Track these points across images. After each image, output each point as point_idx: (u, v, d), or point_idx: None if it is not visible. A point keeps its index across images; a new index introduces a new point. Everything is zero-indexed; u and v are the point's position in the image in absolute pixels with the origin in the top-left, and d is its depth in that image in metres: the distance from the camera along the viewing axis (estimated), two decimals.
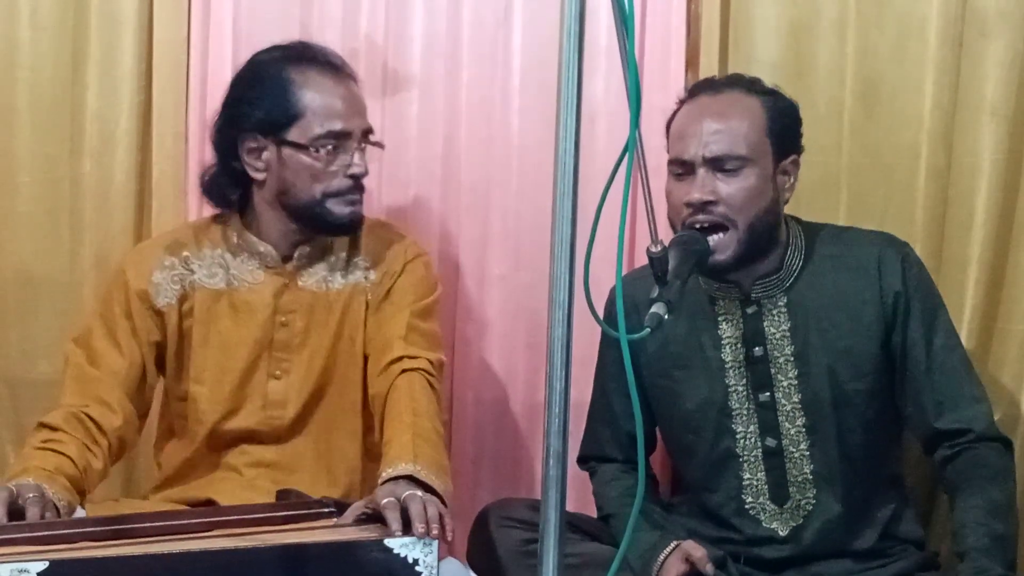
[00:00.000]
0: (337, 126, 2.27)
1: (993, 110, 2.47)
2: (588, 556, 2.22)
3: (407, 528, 1.91)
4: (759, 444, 2.29)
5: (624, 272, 1.71)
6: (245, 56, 2.65)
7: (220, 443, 2.36)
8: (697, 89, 2.31)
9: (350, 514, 2.02)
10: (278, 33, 2.62)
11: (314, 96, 2.28)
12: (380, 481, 2.06)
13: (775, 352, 2.27)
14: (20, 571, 1.72)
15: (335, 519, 2.05)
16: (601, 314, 1.69)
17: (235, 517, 2.04)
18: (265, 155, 2.30)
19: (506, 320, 2.74)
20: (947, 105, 2.49)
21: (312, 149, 2.27)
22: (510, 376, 2.75)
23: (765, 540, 2.29)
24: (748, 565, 2.28)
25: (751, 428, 2.29)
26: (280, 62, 2.32)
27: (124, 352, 2.32)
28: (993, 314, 2.51)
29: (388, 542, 1.88)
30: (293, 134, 2.27)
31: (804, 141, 2.33)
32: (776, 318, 2.28)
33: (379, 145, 2.38)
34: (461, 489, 2.55)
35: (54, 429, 2.19)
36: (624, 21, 1.59)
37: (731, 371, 2.29)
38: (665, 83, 2.60)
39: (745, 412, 2.29)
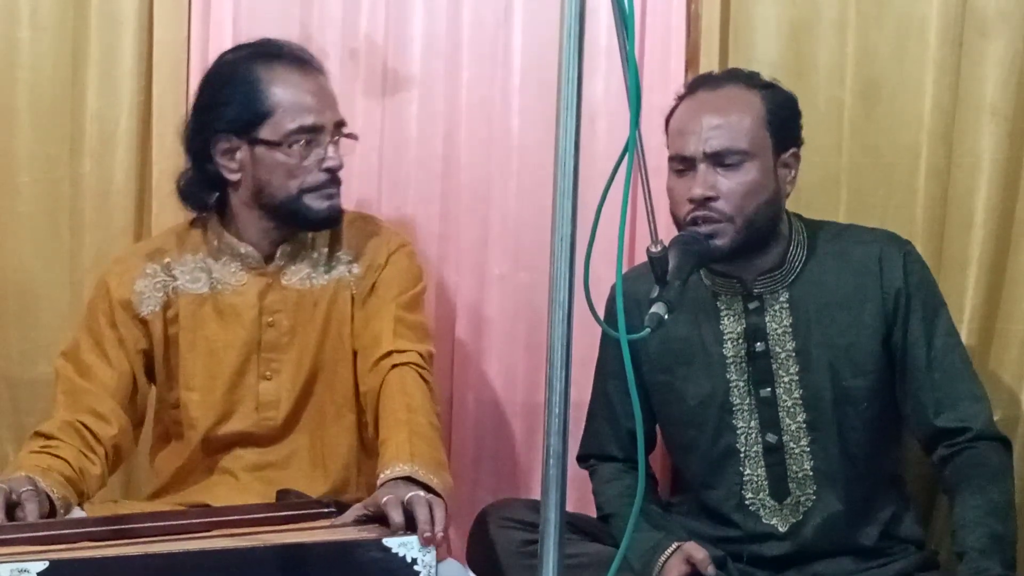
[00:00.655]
0: (309, 120, 2.26)
1: (993, 110, 2.47)
2: (588, 556, 2.22)
3: (410, 525, 1.91)
4: (760, 440, 2.29)
5: (624, 271, 1.72)
6: None
7: (214, 448, 2.35)
8: (696, 84, 2.31)
9: (350, 514, 2.02)
10: (278, 33, 2.61)
11: (283, 92, 2.26)
12: (379, 483, 2.06)
13: (776, 348, 2.27)
14: (20, 571, 1.72)
15: (334, 519, 2.04)
16: (602, 312, 1.69)
17: (235, 517, 2.04)
18: (238, 155, 2.29)
19: (506, 320, 2.74)
20: (947, 105, 2.49)
21: (285, 145, 2.26)
22: (510, 376, 2.75)
23: (765, 536, 2.29)
24: (748, 564, 2.28)
25: (752, 424, 2.29)
26: (247, 61, 2.30)
27: (113, 363, 2.31)
28: (993, 314, 2.52)
29: (387, 542, 1.88)
30: (265, 132, 2.26)
31: (804, 141, 2.32)
32: (778, 314, 2.28)
33: (352, 137, 2.35)
34: (461, 489, 2.55)
35: (49, 437, 2.19)
36: (624, 21, 1.59)
37: (732, 367, 2.30)
38: (665, 83, 2.60)
39: (746, 408, 2.29)
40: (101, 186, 2.67)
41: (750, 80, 2.28)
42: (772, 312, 2.28)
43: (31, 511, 1.97)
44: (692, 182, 2.20)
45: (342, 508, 2.07)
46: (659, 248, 1.83)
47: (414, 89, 2.71)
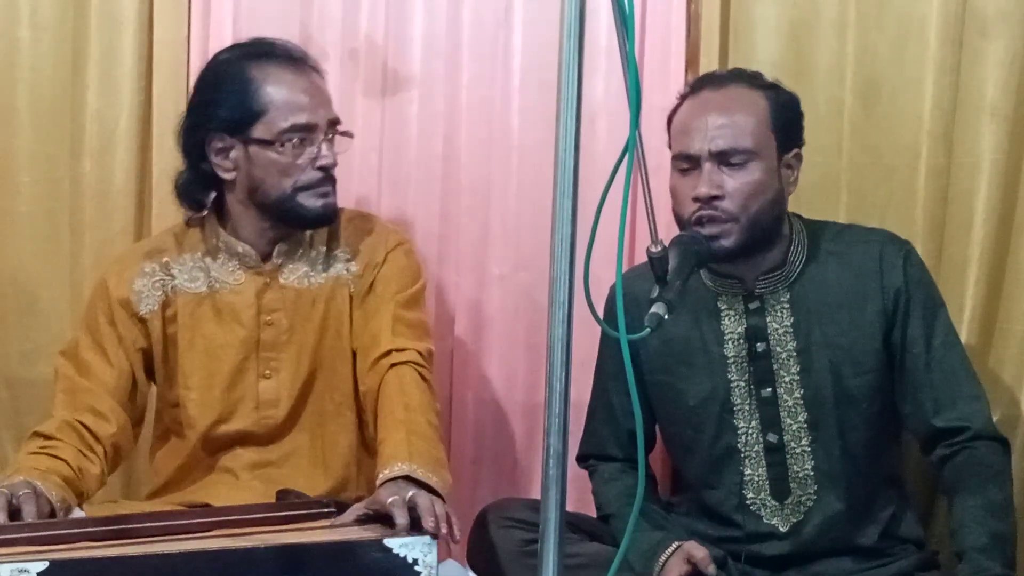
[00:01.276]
0: (302, 119, 2.26)
1: (993, 110, 2.47)
2: (588, 556, 2.22)
3: (414, 526, 1.91)
4: (760, 440, 2.29)
5: (624, 271, 1.72)
6: None
7: (214, 446, 2.35)
8: (700, 84, 2.31)
9: (350, 514, 2.02)
10: (278, 33, 2.61)
11: (276, 91, 2.26)
12: (378, 483, 2.06)
13: (777, 348, 2.27)
14: (20, 571, 1.72)
15: (334, 519, 2.04)
16: (601, 311, 1.69)
17: (235, 517, 2.04)
18: (233, 154, 2.29)
19: (506, 320, 2.74)
20: (947, 105, 2.48)
21: (278, 144, 2.26)
22: (510, 376, 2.75)
23: (765, 536, 2.29)
24: (748, 563, 2.28)
25: (753, 424, 2.29)
26: (240, 60, 2.31)
27: (112, 362, 2.31)
28: (993, 314, 2.51)
29: (387, 542, 1.88)
30: (258, 131, 2.26)
31: (806, 142, 2.33)
32: (779, 314, 2.28)
33: (347, 135, 2.36)
34: (461, 489, 2.55)
35: (48, 437, 2.19)
36: (624, 21, 1.59)
37: (733, 366, 2.30)
38: (665, 83, 2.60)
39: (747, 408, 2.29)
40: (101, 186, 2.67)
41: (754, 80, 2.28)
42: (773, 312, 2.28)
43: (29, 513, 1.97)
44: (697, 181, 2.20)
45: (342, 508, 2.07)
46: (659, 248, 1.83)
47: (414, 89, 2.71)
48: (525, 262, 2.70)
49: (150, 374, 2.38)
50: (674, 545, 2.22)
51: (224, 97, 2.28)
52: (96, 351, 2.31)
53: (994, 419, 2.33)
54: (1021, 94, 2.47)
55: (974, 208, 2.49)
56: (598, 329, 1.86)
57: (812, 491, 2.28)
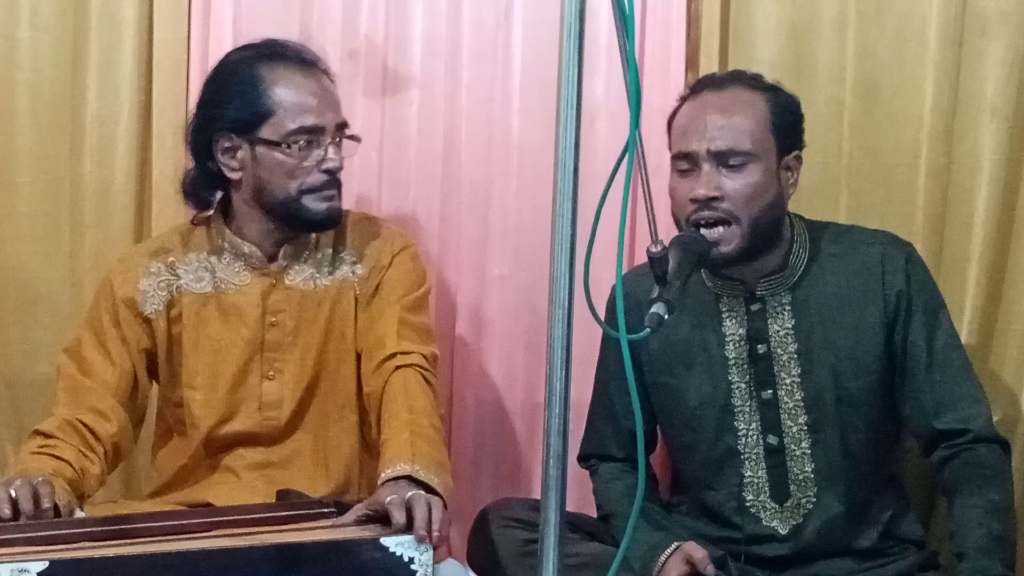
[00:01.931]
0: (309, 121, 2.27)
1: (993, 110, 2.47)
2: (588, 556, 2.22)
3: (410, 523, 1.91)
4: (761, 441, 2.29)
5: (624, 271, 1.71)
6: None
7: (217, 447, 2.35)
8: (700, 85, 2.31)
9: (351, 515, 2.02)
10: (278, 33, 2.61)
11: (285, 92, 2.27)
12: (379, 482, 2.06)
13: (778, 349, 2.27)
14: (20, 571, 1.72)
15: (335, 519, 2.05)
16: (602, 311, 1.69)
17: (235, 517, 2.04)
18: (239, 154, 2.29)
19: (506, 320, 2.73)
20: (947, 105, 2.49)
21: (285, 145, 2.26)
22: (510, 376, 2.75)
23: (765, 538, 2.29)
24: (748, 564, 2.28)
25: (753, 425, 2.29)
26: (250, 60, 2.31)
27: (115, 361, 2.31)
28: (993, 314, 2.51)
29: (384, 541, 1.88)
30: (266, 131, 2.27)
31: (806, 144, 2.32)
32: (780, 316, 2.28)
33: (355, 139, 2.36)
34: (461, 489, 2.55)
35: (48, 436, 2.19)
36: (624, 21, 1.59)
37: (734, 368, 2.30)
38: (665, 83, 2.60)
39: (747, 409, 2.29)
40: (101, 186, 2.67)
41: (754, 82, 2.28)
42: (774, 314, 2.28)
43: (45, 493, 1.98)
44: (695, 182, 2.20)
45: (343, 508, 2.07)
46: (659, 248, 1.83)
47: (414, 89, 2.71)
48: (525, 262, 2.70)
49: (153, 374, 2.38)
50: (673, 545, 2.22)
51: (233, 97, 2.28)
52: (99, 350, 2.31)
53: (994, 419, 2.33)
54: (1021, 94, 2.47)
55: (974, 208, 2.49)
56: (598, 329, 1.86)
57: (812, 493, 2.28)
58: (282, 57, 2.31)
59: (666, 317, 1.81)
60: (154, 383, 2.40)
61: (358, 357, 2.35)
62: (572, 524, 2.11)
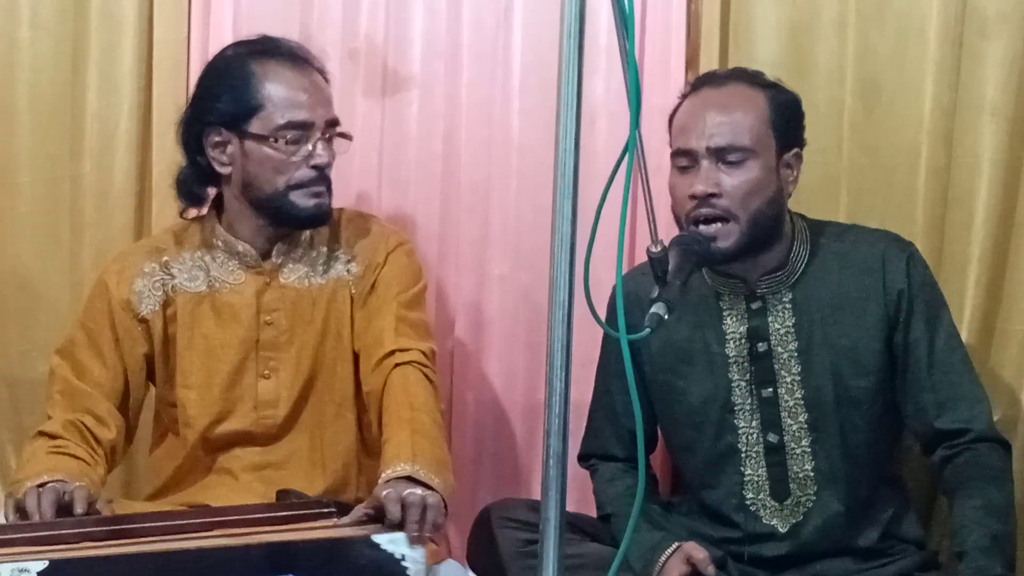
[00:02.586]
0: (298, 116, 2.26)
1: (993, 110, 2.47)
2: (588, 556, 2.22)
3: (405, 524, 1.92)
4: (761, 440, 2.29)
5: (624, 271, 1.71)
6: None
7: (213, 446, 2.35)
8: (700, 82, 2.31)
9: (352, 515, 2.02)
10: (278, 33, 2.62)
11: (275, 87, 2.27)
12: (380, 481, 2.06)
13: (779, 348, 2.27)
14: (20, 571, 1.73)
15: (335, 519, 2.04)
16: (603, 311, 1.69)
17: (235, 517, 2.04)
18: (229, 149, 2.29)
19: (506, 320, 2.73)
20: (947, 105, 2.49)
21: (273, 140, 2.26)
22: (510, 376, 2.75)
23: (765, 537, 2.29)
24: (749, 564, 2.28)
25: (753, 424, 2.29)
26: (243, 56, 2.31)
27: (108, 364, 2.31)
28: (993, 314, 2.52)
29: (376, 538, 1.89)
30: (255, 126, 2.26)
31: (807, 142, 2.32)
32: (780, 314, 2.28)
33: (346, 136, 2.36)
34: (461, 489, 2.54)
35: (55, 436, 2.20)
36: (624, 21, 1.59)
37: (734, 366, 2.29)
38: (665, 83, 2.60)
39: (747, 408, 2.29)
40: (101, 186, 2.67)
41: (754, 79, 2.28)
42: (775, 312, 2.28)
43: (80, 497, 1.99)
44: (695, 178, 2.20)
45: (342, 508, 2.07)
46: (659, 248, 1.83)
47: (414, 89, 2.71)
48: (525, 262, 2.70)
49: (150, 376, 2.38)
50: (674, 545, 2.22)
51: (224, 91, 2.28)
52: (93, 352, 2.31)
53: (994, 419, 2.33)
54: (1021, 94, 2.47)
55: (974, 208, 2.49)
56: (598, 329, 1.86)
57: (812, 492, 2.27)
58: (274, 53, 2.31)
59: (666, 317, 1.81)
60: (151, 385, 2.40)
61: (355, 356, 2.35)
62: (572, 524, 2.11)
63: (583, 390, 2.44)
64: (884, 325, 2.25)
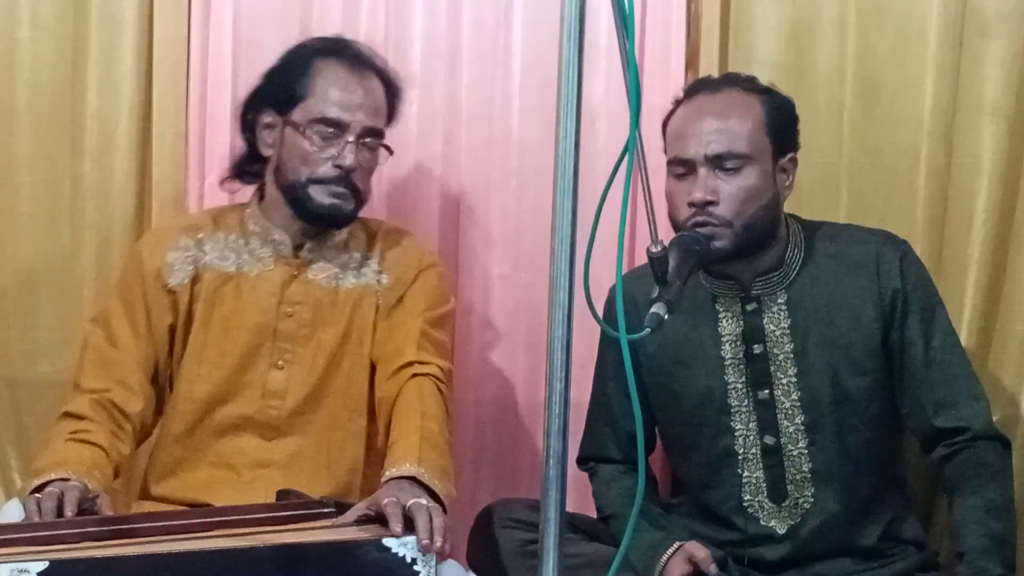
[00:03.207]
0: (333, 113, 2.31)
1: (993, 110, 2.47)
2: (588, 556, 2.22)
3: (410, 526, 1.91)
4: (758, 442, 2.29)
5: (624, 272, 1.71)
6: (245, 56, 2.67)
7: (214, 429, 2.35)
8: (694, 88, 2.31)
9: (351, 514, 2.02)
10: (278, 33, 2.63)
11: (323, 82, 2.33)
12: (383, 480, 2.07)
13: (775, 349, 2.27)
14: (20, 571, 1.72)
15: (335, 519, 2.04)
16: (600, 313, 1.69)
17: (235, 517, 2.04)
18: (275, 132, 2.36)
19: (506, 320, 2.74)
20: (947, 105, 2.49)
21: (306, 130, 2.30)
22: (510, 376, 2.75)
23: (763, 538, 2.29)
24: (748, 565, 2.28)
25: (750, 426, 2.29)
26: (312, 49, 2.39)
27: (140, 333, 2.34)
28: (993, 314, 2.51)
29: (387, 541, 1.89)
30: (296, 114, 2.32)
31: (804, 141, 2.33)
32: (776, 315, 2.28)
33: (387, 148, 2.39)
34: (461, 489, 2.54)
35: (80, 418, 2.22)
36: (624, 21, 1.59)
37: (730, 368, 2.29)
38: (665, 83, 2.60)
39: (744, 409, 2.29)
40: (101, 186, 2.67)
41: (749, 84, 2.28)
42: (770, 314, 2.28)
43: (70, 500, 1.99)
44: (692, 186, 2.20)
45: (342, 508, 2.07)
46: (659, 248, 1.83)
47: (414, 89, 2.70)
48: (525, 262, 2.70)
49: (172, 350, 2.39)
50: (675, 545, 2.22)
51: (283, 76, 2.37)
52: (127, 321, 2.34)
53: (994, 418, 2.33)
54: (1021, 94, 2.47)
55: (974, 208, 2.50)
56: (598, 330, 1.87)
57: (810, 493, 2.27)
58: (340, 53, 2.37)
59: (666, 317, 1.81)
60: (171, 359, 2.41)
61: (372, 366, 2.36)
62: (572, 524, 2.11)
63: (583, 390, 2.44)
64: (880, 325, 2.25)
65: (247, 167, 2.44)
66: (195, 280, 2.37)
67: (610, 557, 1.77)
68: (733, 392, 2.29)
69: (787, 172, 2.28)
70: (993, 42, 2.47)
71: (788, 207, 2.34)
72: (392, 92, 2.40)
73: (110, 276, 2.60)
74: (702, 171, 2.20)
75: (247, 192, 2.49)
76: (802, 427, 2.27)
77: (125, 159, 2.67)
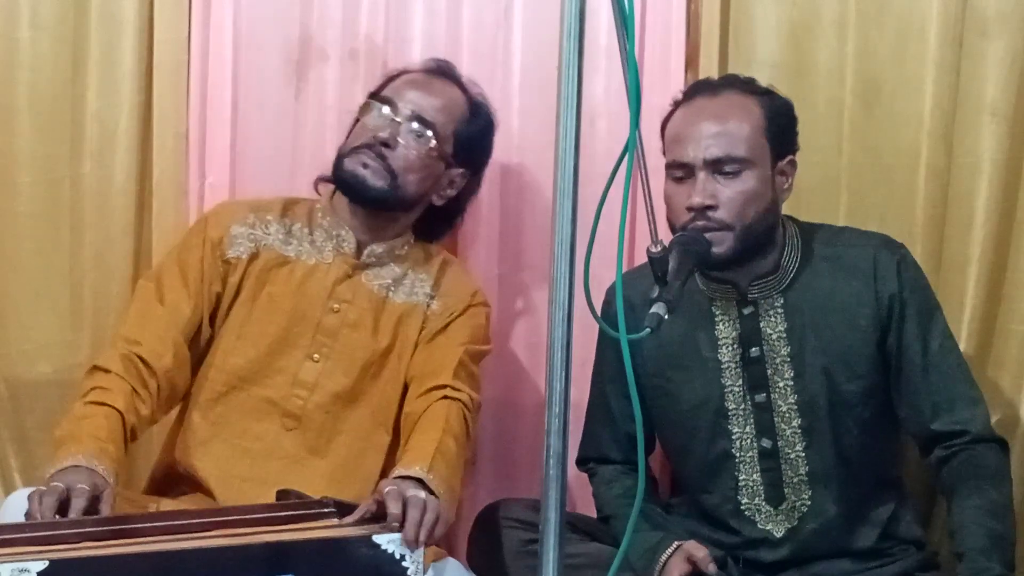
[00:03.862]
0: (386, 91, 2.40)
1: (993, 110, 2.47)
2: (588, 556, 2.22)
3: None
4: (755, 445, 2.28)
5: (624, 271, 1.71)
6: (245, 56, 2.67)
7: (239, 406, 2.35)
8: (693, 91, 2.31)
9: (355, 515, 2.02)
10: (278, 33, 2.63)
11: (399, 77, 2.45)
12: (389, 477, 2.07)
13: (771, 353, 2.27)
14: (20, 571, 1.72)
15: (336, 519, 2.04)
16: (599, 313, 1.69)
17: (235, 517, 2.04)
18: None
19: (506, 320, 2.73)
20: (947, 105, 2.49)
21: (365, 107, 2.41)
22: (510, 376, 2.74)
23: (761, 541, 2.29)
24: (747, 566, 2.28)
25: (747, 429, 2.29)
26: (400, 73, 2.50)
27: (191, 294, 2.36)
28: (993, 314, 2.51)
29: (376, 538, 1.89)
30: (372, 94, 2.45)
31: (804, 141, 2.32)
32: (773, 319, 2.28)
33: (426, 138, 2.38)
34: (461, 489, 2.54)
35: (106, 372, 2.23)
36: (624, 21, 1.59)
37: (727, 372, 2.29)
38: (665, 83, 2.60)
39: (741, 413, 2.29)
40: (101, 186, 2.67)
41: (748, 87, 2.28)
42: (767, 317, 2.28)
43: (76, 507, 1.98)
44: (691, 190, 2.19)
45: (342, 508, 2.07)
46: (659, 248, 1.83)
47: None
48: (525, 262, 2.70)
49: (215, 320, 2.40)
50: (675, 545, 2.22)
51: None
52: (179, 280, 2.37)
53: (993, 420, 2.33)
54: (1021, 94, 2.47)
55: (974, 208, 2.49)
56: (598, 329, 1.86)
57: (807, 496, 2.27)
58: (423, 66, 2.50)
59: (666, 317, 1.81)
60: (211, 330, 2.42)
61: (405, 387, 2.38)
62: (572, 524, 2.11)
63: (583, 390, 2.44)
64: (876, 328, 2.25)
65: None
66: (253, 257, 2.40)
67: (610, 557, 1.77)
68: (730, 395, 2.29)
69: (786, 175, 2.27)
70: (993, 42, 2.47)
71: (788, 207, 2.34)
72: (459, 89, 2.47)
73: (110, 276, 2.60)
74: (701, 175, 2.19)
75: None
76: (799, 430, 2.27)
77: (125, 159, 2.66)
